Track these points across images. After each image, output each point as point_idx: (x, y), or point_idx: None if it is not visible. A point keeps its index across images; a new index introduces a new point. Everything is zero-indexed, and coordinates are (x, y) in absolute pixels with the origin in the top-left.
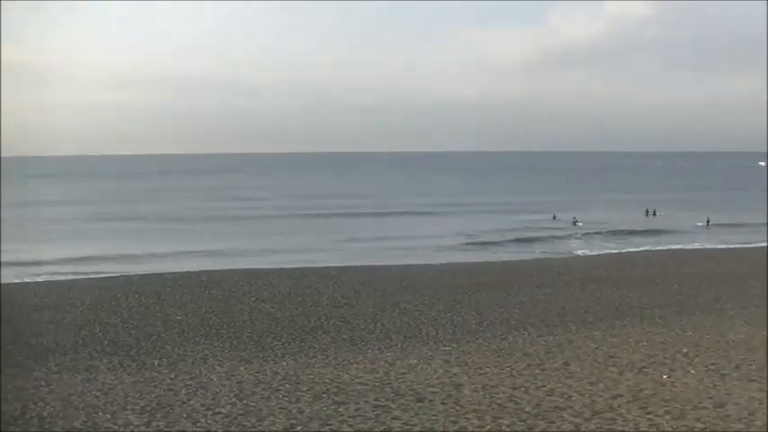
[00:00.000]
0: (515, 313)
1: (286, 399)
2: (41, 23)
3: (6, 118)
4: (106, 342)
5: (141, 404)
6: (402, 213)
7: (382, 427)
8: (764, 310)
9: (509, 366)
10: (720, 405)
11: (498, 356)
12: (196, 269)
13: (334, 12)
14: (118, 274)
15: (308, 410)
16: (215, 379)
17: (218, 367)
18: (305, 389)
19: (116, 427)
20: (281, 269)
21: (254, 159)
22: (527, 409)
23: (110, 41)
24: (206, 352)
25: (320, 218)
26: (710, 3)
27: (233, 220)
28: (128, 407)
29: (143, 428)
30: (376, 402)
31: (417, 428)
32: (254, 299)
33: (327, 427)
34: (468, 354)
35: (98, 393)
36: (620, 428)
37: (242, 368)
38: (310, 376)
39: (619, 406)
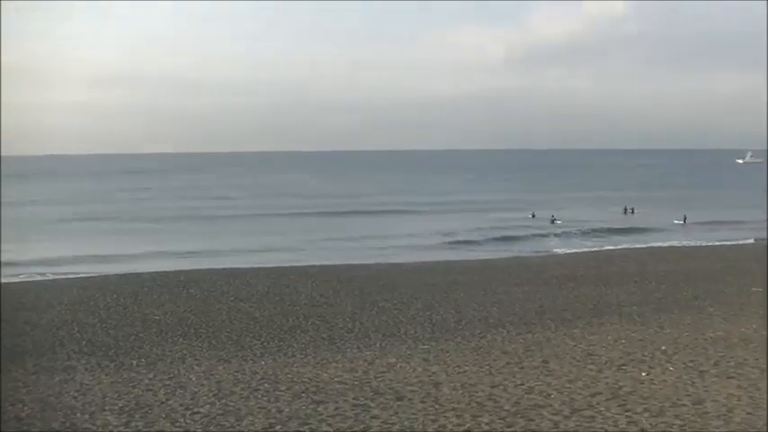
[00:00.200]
0: (494, 311)
1: (265, 398)
2: (19, 23)
3: None
4: (84, 342)
5: (120, 404)
6: (381, 212)
7: (361, 426)
8: (742, 308)
9: (488, 364)
10: (699, 402)
11: (477, 355)
12: (174, 269)
13: (314, 11)
14: (95, 274)
15: (287, 410)
16: (194, 379)
17: (196, 367)
18: (284, 388)
19: (94, 428)
20: (260, 268)
21: (234, 158)
22: (506, 408)
23: (86, 40)
24: (184, 352)
25: (299, 217)
26: (686, 3)
27: (211, 220)
28: (106, 407)
29: (122, 429)
30: (355, 401)
31: (396, 427)
32: (232, 298)
33: (306, 427)
34: (447, 352)
35: (76, 394)
36: (599, 426)
37: (221, 368)
38: (289, 375)
39: (598, 404)
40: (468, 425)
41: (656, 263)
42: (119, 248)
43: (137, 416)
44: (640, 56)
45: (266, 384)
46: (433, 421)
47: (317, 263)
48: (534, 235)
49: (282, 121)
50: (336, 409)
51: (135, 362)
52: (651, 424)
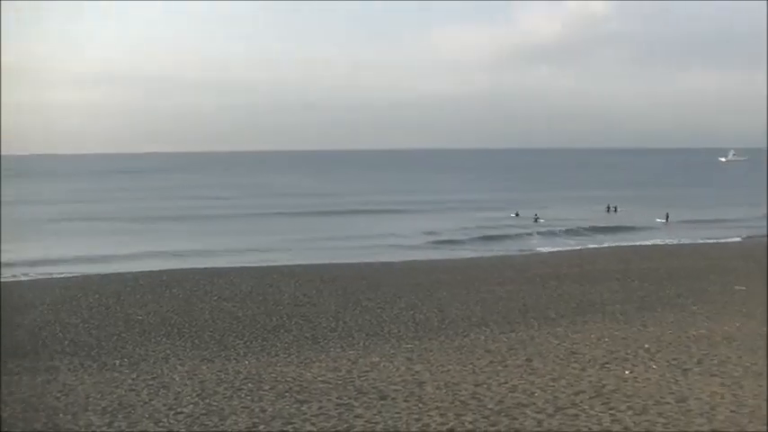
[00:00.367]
0: (477, 310)
1: (248, 398)
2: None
3: None
4: (66, 342)
5: (103, 405)
6: (365, 212)
7: (345, 426)
8: (725, 306)
9: (471, 363)
10: (682, 400)
11: (460, 353)
12: (157, 269)
13: (302, 11)
14: (78, 274)
15: (270, 409)
16: (177, 378)
17: (179, 367)
18: (267, 388)
19: (77, 429)
20: (243, 268)
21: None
22: (490, 406)
23: (78, 40)
24: (168, 351)
25: (282, 216)
26: (665, 3)
27: (194, 220)
28: (89, 408)
29: (105, 429)
30: (339, 401)
31: (380, 426)
32: (215, 298)
33: (290, 426)
34: (431, 351)
35: (59, 394)
36: (582, 424)
37: (204, 367)
38: (273, 375)
39: (581, 402)
40: (451, 424)
41: (638, 261)
42: (103, 249)
43: (120, 416)
44: (626, 55)
45: (250, 384)
46: (417, 420)
47: (300, 262)
48: (517, 234)
49: (271, 121)
50: (320, 408)
51: (118, 362)
52: (635, 422)
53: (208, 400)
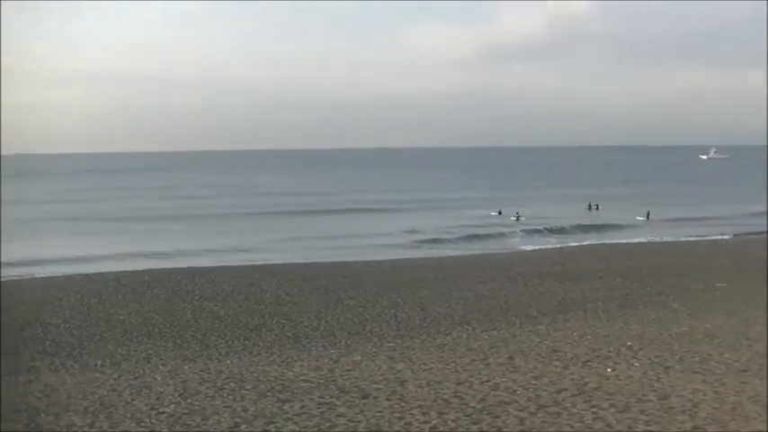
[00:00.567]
0: (459, 309)
1: (230, 397)
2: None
3: None
4: (48, 343)
5: (84, 405)
6: (347, 211)
7: (327, 425)
8: (707, 303)
9: (453, 362)
10: (664, 397)
11: (442, 352)
12: (138, 268)
13: (277, 11)
14: (59, 275)
15: (252, 409)
16: (159, 378)
17: (161, 366)
18: (249, 387)
19: (59, 429)
20: (225, 267)
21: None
22: (472, 404)
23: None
24: (149, 351)
25: (264, 216)
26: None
27: (176, 220)
28: (71, 408)
29: (87, 429)
30: (321, 400)
31: (362, 425)
32: (197, 297)
33: (272, 426)
34: (413, 350)
35: (40, 395)
36: (564, 422)
37: (186, 367)
38: (255, 374)
39: (563, 400)
40: (433, 422)
41: (620, 259)
42: (85, 249)
43: (102, 416)
44: (608, 54)
45: (232, 383)
46: (399, 419)
47: (282, 261)
48: (499, 232)
49: (248, 121)
50: (302, 407)
51: (99, 362)
52: (617, 420)
53: (190, 400)
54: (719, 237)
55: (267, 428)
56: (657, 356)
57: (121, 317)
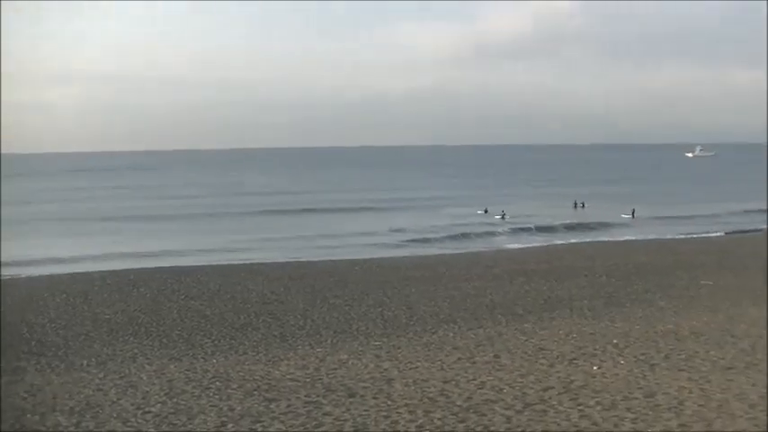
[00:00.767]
0: (445, 307)
1: (217, 396)
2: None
3: None
4: (33, 343)
5: (70, 405)
6: (334, 210)
7: (314, 423)
8: (692, 301)
9: (440, 360)
10: (650, 395)
11: (429, 350)
12: (124, 268)
13: (259, 9)
14: (44, 275)
15: (238, 408)
16: (145, 378)
17: (147, 366)
18: (235, 386)
19: (45, 429)
20: (210, 266)
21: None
22: (458, 403)
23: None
24: (135, 351)
25: (251, 215)
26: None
27: (162, 219)
28: (57, 408)
29: (72, 429)
30: (307, 398)
31: (349, 424)
32: (182, 296)
33: (258, 425)
34: (399, 348)
35: (26, 395)
36: (551, 420)
37: (172, 366)
38: (241, 373)
39: (550, 398)
40: (420, 421)
41: (606, 257)
42: (70, 249)
43: (88, 416)
44: (593, 52)
45: (218, 382)
46: (386, 417)
47: (268, 260)
48: (485, 231)
49: (232, 120)
50: (288, 406)
51: (85, 362)
52: (603, 417)
53: (176, 400)
54: (709, 234)
55: (254, 427)
56: (643, 354)
57: (107, 316)
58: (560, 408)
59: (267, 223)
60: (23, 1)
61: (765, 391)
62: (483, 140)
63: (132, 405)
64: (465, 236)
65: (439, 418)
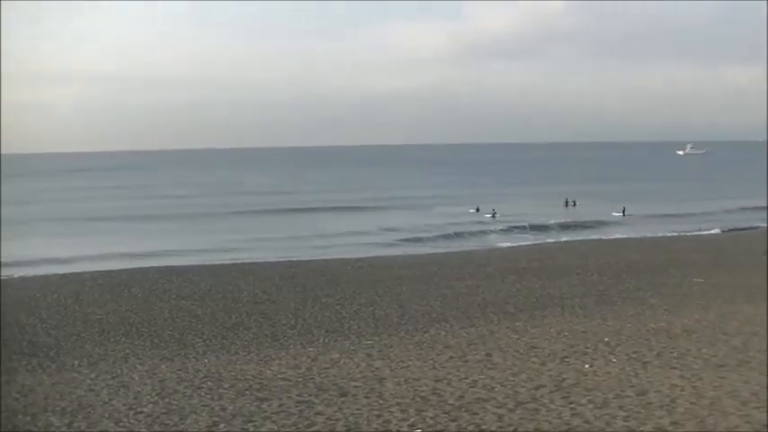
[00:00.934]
0: (437, 306)
1: (208, 396)
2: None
3: None
4: (25, 343)
5: (62, 405)
6: (325, 209)
7: (306, 423)
8: (684, 299)
9: (431, 359)
10: (642, 393)
11: (420, 349)
12: (115, 268)
13: (259, 9)
14: (36, 275)
15: (230, 407)
16: (137, 378)
17: (139, 366)
18: (227, 386)
19: (37, 430)
20: (201, 266)
21: (184, 156)
22: (450, 402)
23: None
24: (127, 351)
25: (243, 215)
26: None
27: (153, 219)
28: (48, 408)
29: (64, 430)
30: (299, 398)
31: (341, 423)
32: (174, 296)
33: (250, 424)
34: (391, 347)
35: (17, 395)
36: (543, 419)
37: (163, 366)
38: (232, 373)
39: (542, 396)
40: (412, 419)
41: (597, 255)
42: (61, 249)
43: (79, 416)
44: (583, 51)
45: (209, 382)
46: (378, 416)
47: (258, 260)
48: (477, 229)
49: (227, 119)
50: (280, 405)
51: (77, 362)
52: (595, 416)
53: (168, 399)
54: (702, 232)
55: (245, 427)
56: (635, 352)
57: (99, 316)
58: (552, 406)
59: (260, 223)
60: (23, 1)
61: (758, 388)
62: (478, 139)
63: (124, 405)
64: (456, 234)
65: (431, 417)
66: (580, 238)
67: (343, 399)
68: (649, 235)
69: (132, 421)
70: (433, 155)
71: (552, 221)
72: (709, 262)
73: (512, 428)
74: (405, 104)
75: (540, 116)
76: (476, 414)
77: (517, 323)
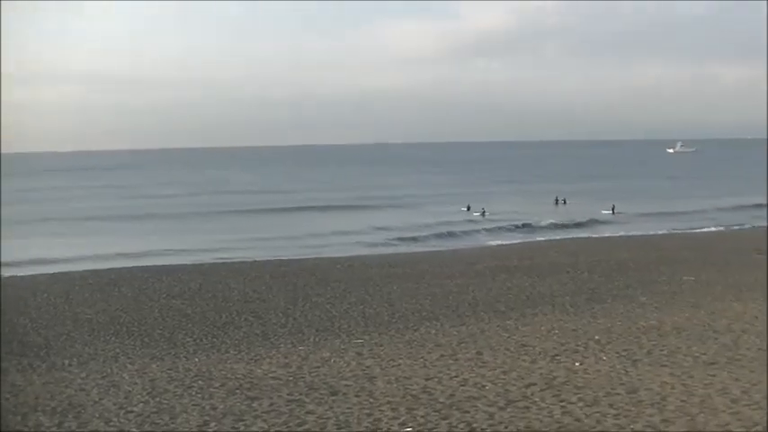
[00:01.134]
0: (427, 304)
1: (199, 395)
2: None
3: None
4: (14, 343)
5: (52, 405)
6: (316, 208)
7: (296, 422)
8: (674, 297)
9: (422, 357)
10: (633, 391)
11: (411, 348)
12: (105, 267)
13: (244, 7)
14: (25, 275)
15: (221, 407)
16: (127, 377)
17: (129, 365)
18: (218, 385)
19: (27, 430)
20: (191, 265)
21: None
22: (441, 400)
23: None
24: (117, 350)
25: (233, 214)
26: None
27: (142, 219)
28: (38, 408)
29: (55, 430)
30: (290, 397)
31: (332, 422)
32: (164, 295)
33: (241, 423)
34: (381, 346)
35: (7, 395)
36: (533, 417)
37: (154, 365)
38: (223, 372)
39: (532, 394)
40: (403, 418)
41: (588, 253)
42: (51, 249)
43: (70, 416)
44: (574, 49)
45: (200, 381)
46: (368, 415)
47: (248, 258)
48: (467, 228)
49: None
50: (271, 404)
51: (67, 361)
52: (585, 413)
53: (158, 399)
54: (694, 230)
55: (236, 426)
56: (625, 350)
57: (88, 316)
58: (543, 404)
59: (250, 222)
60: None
61: (748, 386)
62: (470, 137)
63: (114, 405)
64: (447, 233)
65: (421, 416)
66: (570, 237)
67: (333, 397)
68: (639, 233)
69: (123, 421)
70: (425, 153)
71: (542, 220)
72: (700, 260)
73: (502, 426)
74: (399, 103)
75: (532, 114)
76: (466, 412)
77: (507, 321)
